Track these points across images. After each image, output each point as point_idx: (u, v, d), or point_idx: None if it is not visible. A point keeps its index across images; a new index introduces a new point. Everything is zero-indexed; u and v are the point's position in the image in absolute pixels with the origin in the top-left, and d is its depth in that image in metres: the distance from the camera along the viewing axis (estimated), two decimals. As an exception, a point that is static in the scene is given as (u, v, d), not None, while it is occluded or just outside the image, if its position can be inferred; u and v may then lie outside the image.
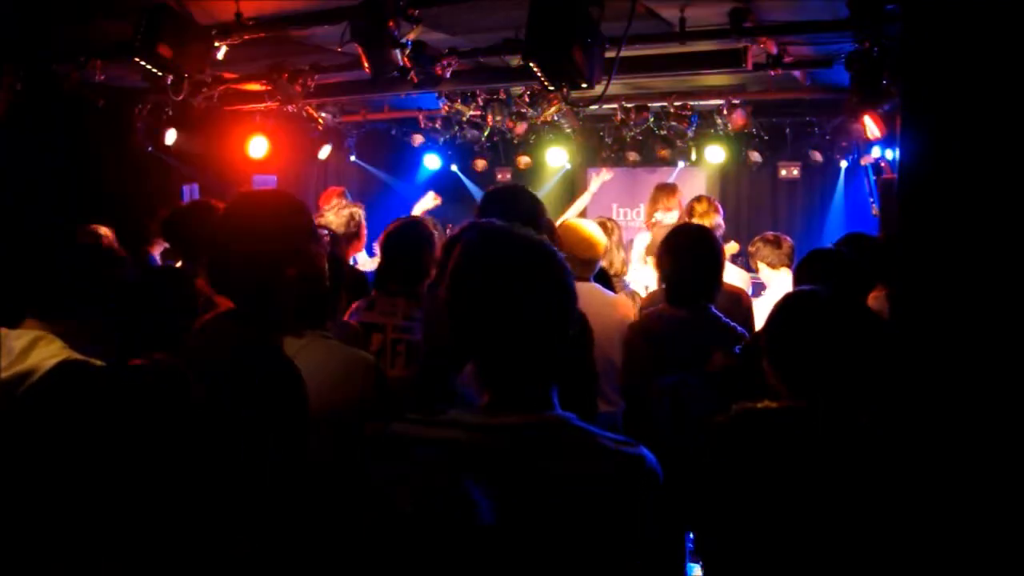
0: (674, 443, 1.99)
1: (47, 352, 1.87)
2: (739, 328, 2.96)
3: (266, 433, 1.69)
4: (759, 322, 3.76)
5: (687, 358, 2.84)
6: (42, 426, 1.78)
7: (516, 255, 1.41)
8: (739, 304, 3.64)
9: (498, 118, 7.77)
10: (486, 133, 8.75)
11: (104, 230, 4.52)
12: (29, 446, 1.78)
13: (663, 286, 3.21)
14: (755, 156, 8.92)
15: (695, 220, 4.46)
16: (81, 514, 1.74)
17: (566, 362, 1.46)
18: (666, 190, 5.41)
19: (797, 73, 6.05)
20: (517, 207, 2.47)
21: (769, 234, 4.76)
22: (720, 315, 2.97)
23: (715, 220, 4.54)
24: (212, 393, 1.70)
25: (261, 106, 6.87)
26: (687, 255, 2.97)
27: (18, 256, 1.97)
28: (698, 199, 4.88)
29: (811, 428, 1.80)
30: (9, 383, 1.81)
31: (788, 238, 4.73)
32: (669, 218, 5.11)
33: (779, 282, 4.50)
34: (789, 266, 4.53)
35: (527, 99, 7.30)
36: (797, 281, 3.12)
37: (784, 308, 1.94)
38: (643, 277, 5.01)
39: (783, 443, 1.81)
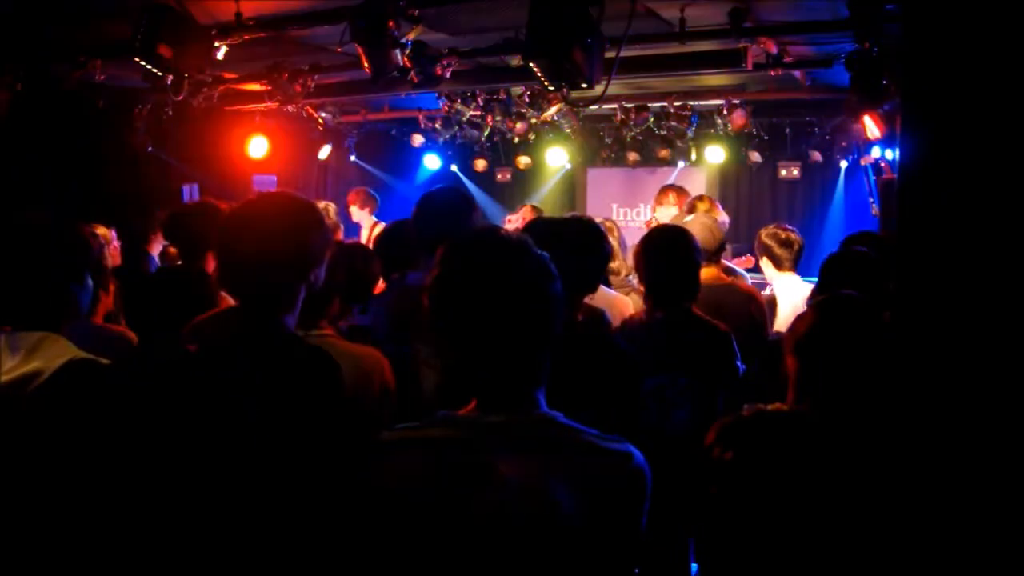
0: (661, 445, 1.98)
1: (54, 351, 1.86)
2: (722, 327, 2.95)
3: (296, 428, 1.70)
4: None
5: (670, 360, 2.84)
6: (52, 425, 1.78)
7: (496, 259, 1.41)
8: (750, 306, 3.63)
9: (498, 118, 7.78)
10: (486, 133, 8.76)
11: (104, 230, 4.52)
12: (39, 446, 1.78)
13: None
14: (755, 156, 8.94)
15: (697, 216, 4.41)
16: (90, 512, 1.74)
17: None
18: (664, 189, 5.46)
19: (797, 73, 6.06)
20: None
21: (780, 233, 4.37)
22: (702, 315, 2.96)
23: (719, 216, 4.43)
24: (242, 389, 1.70)
25: (261, 106, 6.88)
26: (662, 257, 2.96)
27: (20, 256, 1.96)
28: (700, 198, 4.85)
29: (824, 433, 1.79)
30: (17, 383, 1.81)
31: (798, 237, 4.38)
32: (666, 217, 5.06)
33: (781, 284, 4.41)
34: (794, 270, 4.39)
35: (527, 99, 7.30)
36: (823, 281, 3.09)
37: (824, 312, 1.91)
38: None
39: (793, 447, 1.79)
